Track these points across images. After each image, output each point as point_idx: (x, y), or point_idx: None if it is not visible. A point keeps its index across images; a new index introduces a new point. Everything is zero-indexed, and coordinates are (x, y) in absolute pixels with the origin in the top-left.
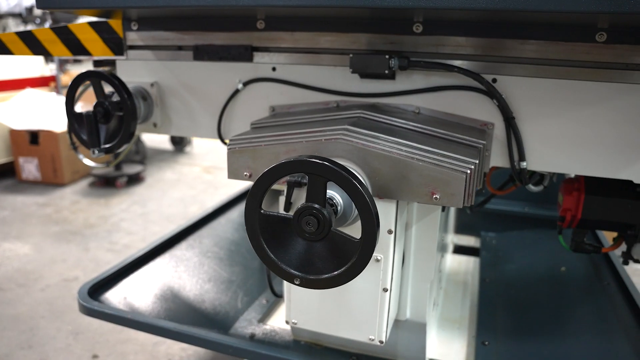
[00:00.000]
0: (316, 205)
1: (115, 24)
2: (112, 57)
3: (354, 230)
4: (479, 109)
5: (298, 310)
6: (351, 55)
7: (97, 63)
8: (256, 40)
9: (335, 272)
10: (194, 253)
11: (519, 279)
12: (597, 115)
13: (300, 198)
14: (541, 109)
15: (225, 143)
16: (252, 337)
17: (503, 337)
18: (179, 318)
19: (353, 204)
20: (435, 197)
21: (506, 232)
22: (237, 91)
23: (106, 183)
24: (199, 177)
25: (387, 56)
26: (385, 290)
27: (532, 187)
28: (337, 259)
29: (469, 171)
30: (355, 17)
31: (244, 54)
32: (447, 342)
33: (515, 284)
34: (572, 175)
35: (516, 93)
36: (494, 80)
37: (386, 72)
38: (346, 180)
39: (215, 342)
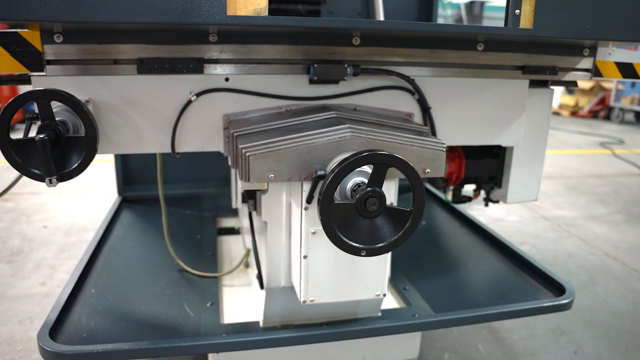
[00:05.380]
0: (372, 188)
1: (31, 35)
2: (25, 73)
3: None
4: (402, 103)
5: (315, 288)
6: (315, 65)
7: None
8: (207, 53)
9: (395, 237)
10: (115, 277)
11: None
12: (481, 102)
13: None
14: (445, 99)
15: (176, 155)
16: (227, 334)
17: (415, 280)
18: (149, 339)
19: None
20: (427, 172)
21: None
22: (189, 102)
23: None
24: None
25: (345, 65)
26: None
27: None
28: (392, 228)
29: (444, 148)
30: (302, 32)
31: (196, 66)
32: None
33: None
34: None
35: (428, 89)
36: (413, 80)
37: (345, 78)
38: (406, 165)
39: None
